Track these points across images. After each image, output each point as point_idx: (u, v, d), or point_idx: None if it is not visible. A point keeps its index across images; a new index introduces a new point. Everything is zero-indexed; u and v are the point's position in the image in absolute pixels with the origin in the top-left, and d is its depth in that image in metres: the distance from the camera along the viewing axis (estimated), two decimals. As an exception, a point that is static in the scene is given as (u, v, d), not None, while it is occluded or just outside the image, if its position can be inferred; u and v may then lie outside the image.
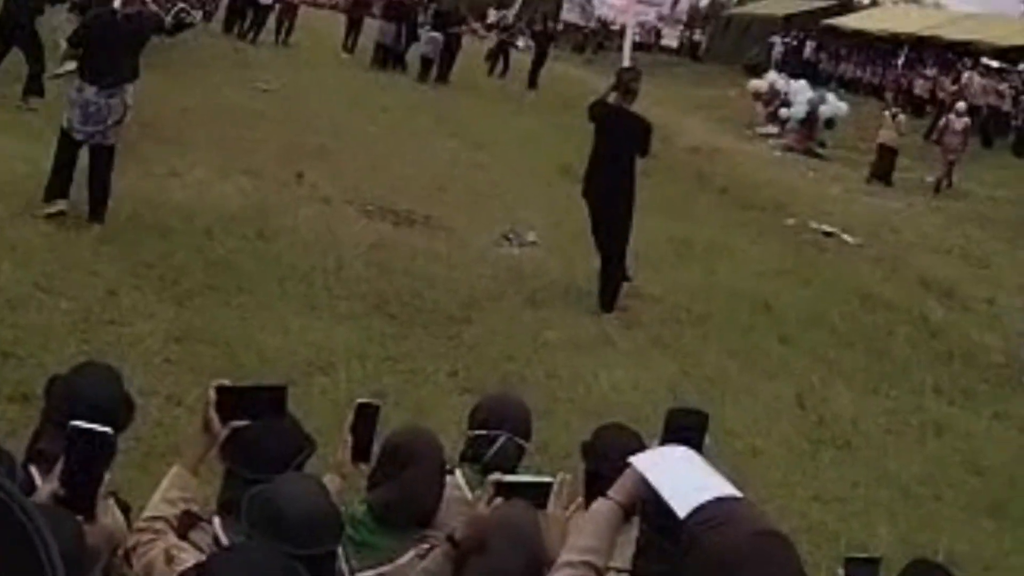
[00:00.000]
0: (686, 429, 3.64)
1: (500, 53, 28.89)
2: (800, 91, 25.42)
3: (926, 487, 7.52)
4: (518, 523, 2.95)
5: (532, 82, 26.83)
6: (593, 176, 9.69)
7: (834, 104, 24.88)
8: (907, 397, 9.27)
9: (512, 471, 3.76)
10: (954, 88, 28.31)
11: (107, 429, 2.73)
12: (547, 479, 3.28)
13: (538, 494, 3.18)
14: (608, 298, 9.65)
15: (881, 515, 6.92)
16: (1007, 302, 12.96)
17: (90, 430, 2.70)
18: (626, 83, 9.69)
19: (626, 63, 11.18)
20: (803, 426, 8.17)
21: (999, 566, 6.54)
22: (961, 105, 22.48)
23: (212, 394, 3.12)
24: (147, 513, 3.04)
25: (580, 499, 3.68)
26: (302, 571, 2.52)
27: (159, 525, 2.98)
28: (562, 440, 6.08)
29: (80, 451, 2.68)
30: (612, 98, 9.73)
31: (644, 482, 2.73)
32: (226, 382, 3.21)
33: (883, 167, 22.16)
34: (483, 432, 3.98)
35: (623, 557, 2.69)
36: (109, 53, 8.69)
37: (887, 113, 23.18)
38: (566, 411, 7.17)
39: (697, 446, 3.41)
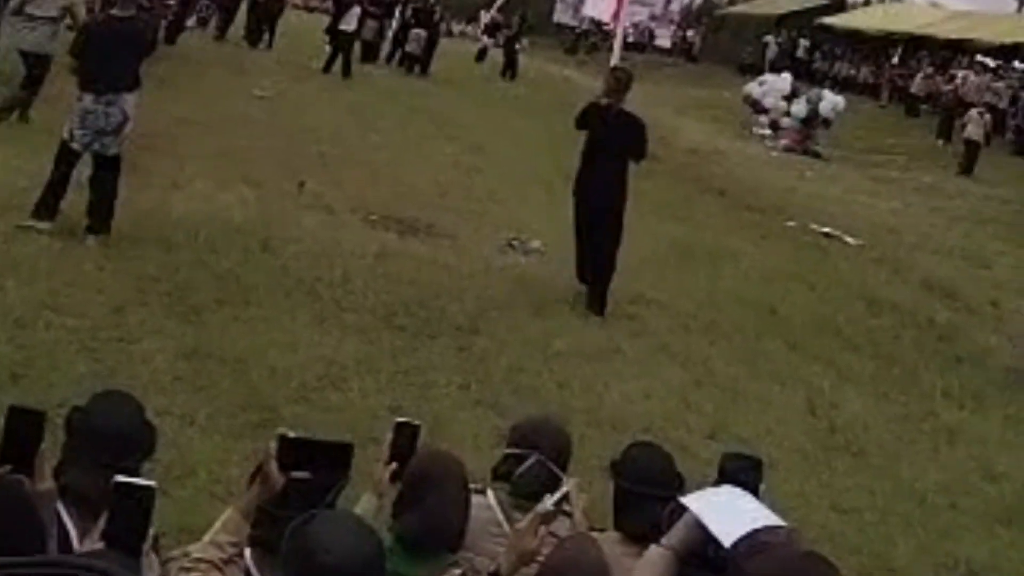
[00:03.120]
0: (741, 474, 3.62)
1: (508, 58, 30.36)
2: (779, 84, 25.61)
3: (942, 495, 7.44)
4: (588, 560, 2.93)
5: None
6: (585, 176, 9.54)
7: (831, 99, 24.88)
8: (918, 402, 9.20)
9: (541, 494, 3.76)
10: (950, 87, 28.36)
11: (152, 483, 2.64)
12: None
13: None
14: (599, 302, 9.50)
15: (898, 525, 6.85)
16: (1012, 304, 12.92)
17: (134, 484, 2.62)
18: (617, 81, 9.56)
19: (614, 62, 11.02)
20: (816, 433, 8.10)
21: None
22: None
23: (273, 445, 3.00)
24: (195, 554, 2.99)
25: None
26: None
27: (203, 567, 2.93)
28: (578, 452, 6.00)
29: (126, 507, 2.60)
30: (603, 99, 9.61)
31: (696, 524, 2.71)
32: (289, 432, 3.06)
33: (969, 161, 23.85)
34: (516, 451, 3.95)
35: None
36: (104, 59, 8.62)
37: (974, 111, 24.82)
38: (580, 422, 7.08)
39: (753, 490, 3.39)
